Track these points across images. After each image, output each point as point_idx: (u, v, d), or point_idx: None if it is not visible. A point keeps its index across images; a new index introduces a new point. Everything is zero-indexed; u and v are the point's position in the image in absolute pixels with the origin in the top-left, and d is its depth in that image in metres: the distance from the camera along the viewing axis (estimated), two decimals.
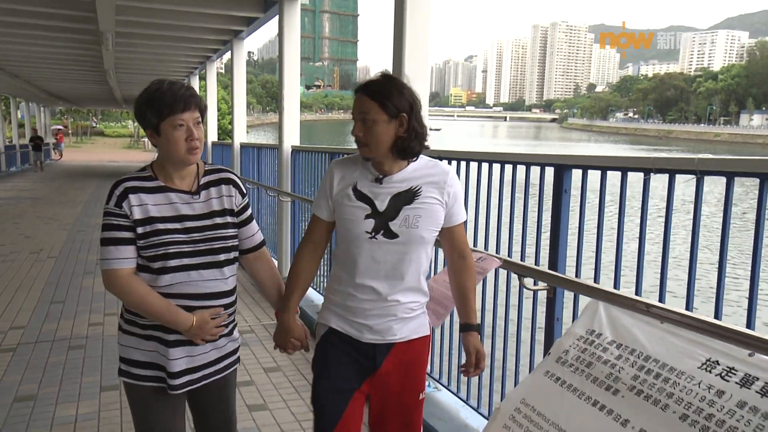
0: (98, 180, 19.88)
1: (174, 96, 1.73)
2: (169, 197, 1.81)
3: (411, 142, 1.74)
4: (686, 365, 1.64)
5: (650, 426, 1.60)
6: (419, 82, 3.40)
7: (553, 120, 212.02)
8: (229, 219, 1.89)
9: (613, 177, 2.20)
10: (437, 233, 1.83)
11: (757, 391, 1.47)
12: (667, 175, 1.95)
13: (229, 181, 1.92)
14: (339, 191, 1.81)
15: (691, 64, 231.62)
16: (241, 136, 9.08)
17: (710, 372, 1.59)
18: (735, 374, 1.54)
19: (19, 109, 28.82)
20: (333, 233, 1.94)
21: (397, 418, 1.88)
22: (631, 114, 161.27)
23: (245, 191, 1.98)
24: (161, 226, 1.77)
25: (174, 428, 1.92)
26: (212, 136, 11.94)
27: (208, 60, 11.48)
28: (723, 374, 1.57)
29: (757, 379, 1.49)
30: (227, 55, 10.12)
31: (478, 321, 1.96)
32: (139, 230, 1.76)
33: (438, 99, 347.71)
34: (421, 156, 1.83)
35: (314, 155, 5.46)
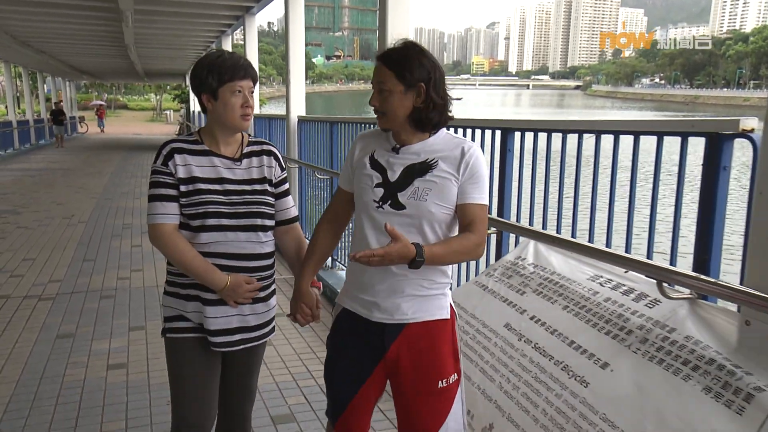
0: (124, 152, 20.64)
1: (235, 64, 1.82)
2: (212, 161, 1.88)
3: (429, 113, 1.69)
4: (579, 277, 2.14)
5: (539, 312, 2.14)
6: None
7: (577, 87, 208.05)
8: (267, 187, 1.95)
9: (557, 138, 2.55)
10: (448, 212, 1.71)
11: (621, 293, 1.97)
12: (593, 135, 2.29)
13: (270, 153, 1.99)
14: (358, 159, 1.80)
15: (722, 26, 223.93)
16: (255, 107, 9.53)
17: (594, 281, 2.09)
18: (610, 283, 2.05)
19: (45, 83, 29.58)
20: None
21: (417, 407, 1.77)
22: (657, 80, 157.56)
23: (284, 166, 2.05)
24: (203, 186, 1.84)
25: (205, 383, 1.95)
26: None
27: (222, 34, 11.91)
28: (602, 282, 2.07)
29: (624, 285, 1.99)
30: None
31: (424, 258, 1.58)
32: (182, 188, 1.84)
33: (460, 67, 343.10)
34: (447, 131, 1.79)
35: (318, 124, 5.91)
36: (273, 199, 1.97)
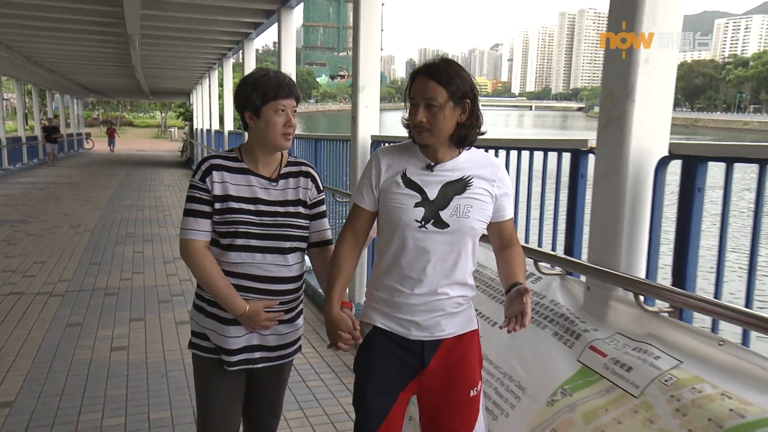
0: (128, 168, 21.29)
1: (280, 83, 1.81)
2: (249, 180, 1.88)
3: (471, 130, 1.69)
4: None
5: None
6: (371, 85, 4.43)
7: (580, 109, 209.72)
8: (301, 210, 1.92)
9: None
10: (484, 227, 1.76)
11: (530, 280, 2.46)
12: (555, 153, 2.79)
13: (308, 175, 1.97)
14: (387, 179, 1.73)
15: (724, 51, 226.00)
16: None
17: None
18: (530, 275, 2.54)
19: (54, 100, 30.41)
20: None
21: (449, 417, 1.80)
22: None
23: (322, 188, 2.03)
24: (235, 205, 1.84)
25: (228, 401, 1.98)
26: (229, 125, 13.09)
27: (224, 57, 12.63)
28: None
29: (540, 278, 2.47)
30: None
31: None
32: (217, 205, 1.84)
33: None
34: (473, 148, 1.78)
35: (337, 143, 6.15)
36: (306, 221, 1.95)
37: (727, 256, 1.86)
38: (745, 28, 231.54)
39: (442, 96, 1.63)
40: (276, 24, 8.92)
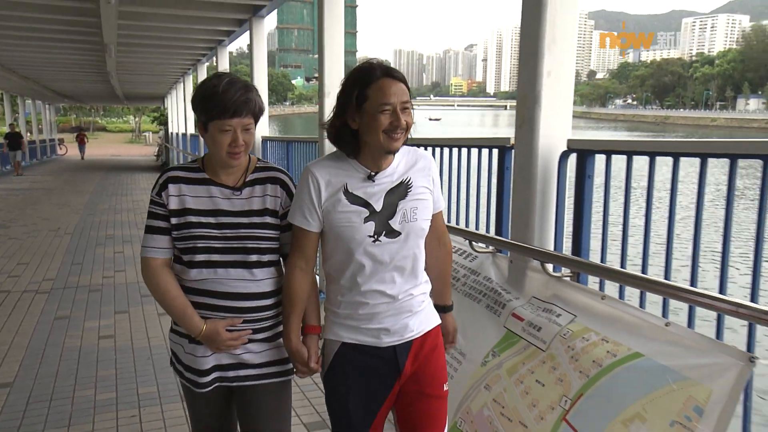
0: (103, 173, 21.36)
1: (226, 101, 1.66)
2: (209, 191, 1.77)
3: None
4: None
5: None
6: (336, 91, 4.83)
7: None
8: (268, 219, 1.78)
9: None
10: (429, 222, 1.76)
11: (461, 255, 2.88)
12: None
13: (276, 181, 1.82)
14: (328, 197, 1.65)
15: (692, 49, 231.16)
16: None
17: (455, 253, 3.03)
18: (461, 251, 2.96)
19: (25, 106, 30.17)
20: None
21: (427, 413, 1.80)
22: (630, 101, 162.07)
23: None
24: (194, 219, 1.74)
25: (214, 422, 1.95)
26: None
27: (198, 62, 12.92)
28: (458, 252, 3.00)
29: (464, 251, 2.89)
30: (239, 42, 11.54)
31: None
32: (173, 221, 1.75)
33: (439, 89, 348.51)
34: None
35: (276, 143, 6.87)
36: (275, 232, 1.80)
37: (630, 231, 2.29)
38: (712, 27, 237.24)
39: (408, 98, 1.62)
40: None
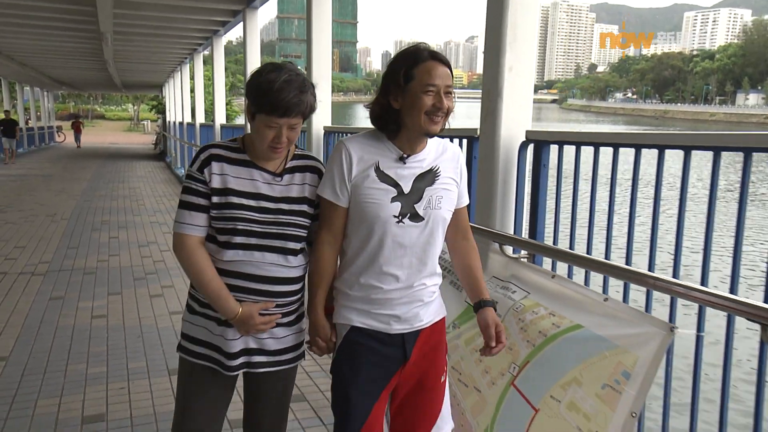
0: (101, 160, 21.51)
1: (279, 101, 1.63)
2: (251, 173, 1.75)
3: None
4: None
5: None
6: (323, 81, 4.99)
7: (554, 101, 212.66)
8: (305, 208, 1.79)
9: None
10: (452, 214, 1.77)
11: None
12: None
13: (315, 170, 1.83)
14: (359, 173, 1.66)
15: (693, 43, 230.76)
16: (221, 118, 10.71)
17: None
18: None
19: (24, 93, 30.22)
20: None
21: (422, 403, 1.83)
22: (630, 94, 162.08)
23: None
24: (236, 200, 1.72)
25: (215, 416, 1.89)
26: (200, 118, 13.51)
27: (195, 52, 13.04)
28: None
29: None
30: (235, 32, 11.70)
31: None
32: (215, 199, 1.72)
33: None
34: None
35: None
36: (309, 221, 1.81)
37: (598, 218, 2.48)
38: (713, 21, 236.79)
39: (452, 82, 1.64)
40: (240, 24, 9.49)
